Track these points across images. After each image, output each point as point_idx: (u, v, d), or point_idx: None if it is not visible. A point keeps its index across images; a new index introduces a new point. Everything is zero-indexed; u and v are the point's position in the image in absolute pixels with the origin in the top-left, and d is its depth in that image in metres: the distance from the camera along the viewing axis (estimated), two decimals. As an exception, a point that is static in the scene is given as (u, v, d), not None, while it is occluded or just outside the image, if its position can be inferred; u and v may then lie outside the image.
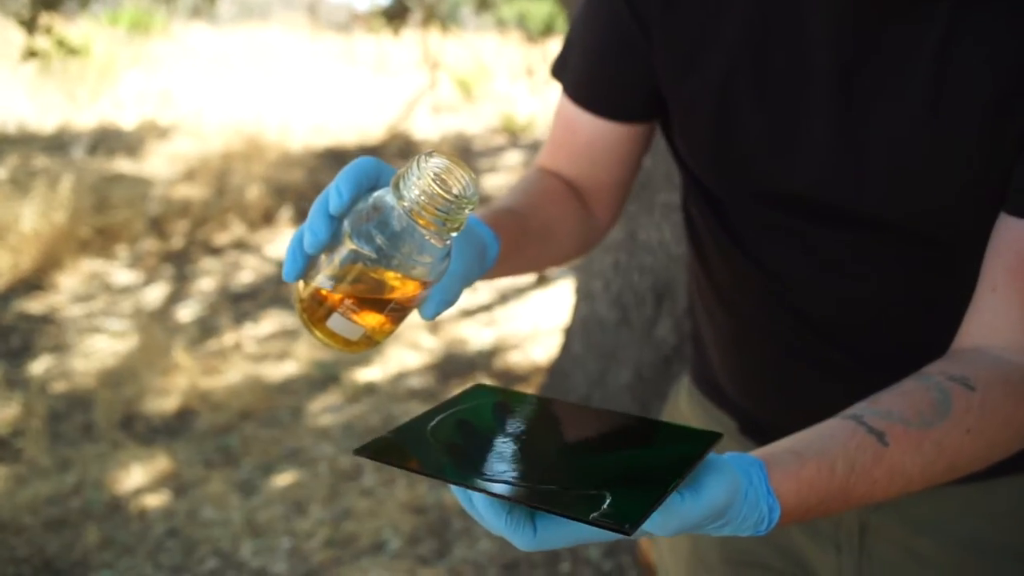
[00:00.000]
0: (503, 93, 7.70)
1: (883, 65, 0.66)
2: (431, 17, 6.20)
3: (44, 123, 6.10)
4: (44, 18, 3.98)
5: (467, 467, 0.50)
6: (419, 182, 0.53)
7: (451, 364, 3.09)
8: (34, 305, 3.55)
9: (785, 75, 0.70)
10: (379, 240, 0.54)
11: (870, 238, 0.71)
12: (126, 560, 2.08)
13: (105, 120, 6.29)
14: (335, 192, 0.56)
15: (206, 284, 3.84)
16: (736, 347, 0.85)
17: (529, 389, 2.85)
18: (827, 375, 0.79)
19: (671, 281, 2.25)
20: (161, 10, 7.97)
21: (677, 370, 2.29)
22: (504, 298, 3.71)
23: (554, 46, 7.16)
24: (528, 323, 3.45)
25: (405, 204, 0.54)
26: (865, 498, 0.57)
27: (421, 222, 0.54)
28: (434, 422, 0.57)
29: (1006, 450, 0.62)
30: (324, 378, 2.99)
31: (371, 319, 0.58)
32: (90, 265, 3.96)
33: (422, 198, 0.53)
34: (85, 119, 6.26)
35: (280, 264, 4.08)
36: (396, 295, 0.57)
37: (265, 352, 3.19)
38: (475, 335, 3.34)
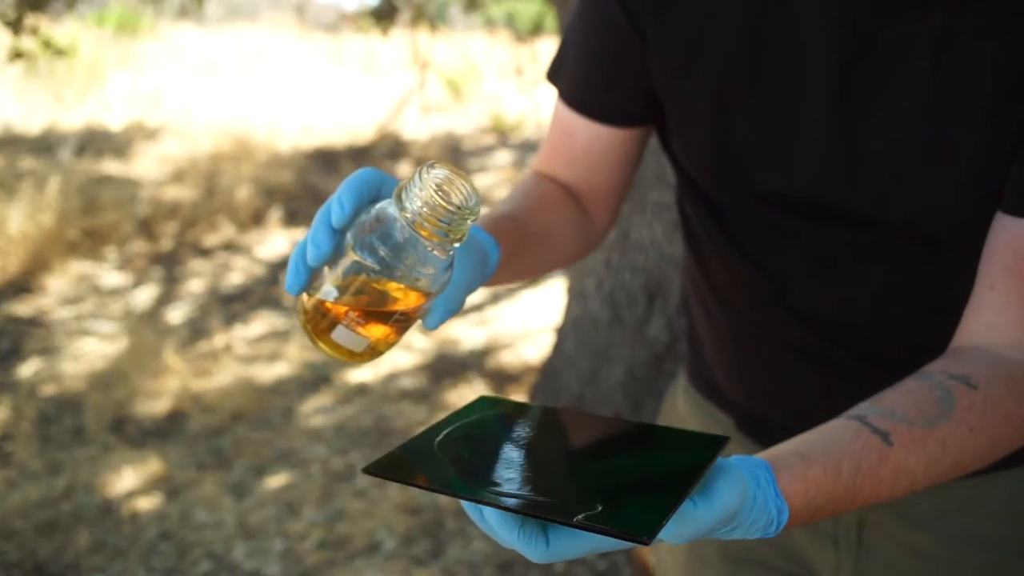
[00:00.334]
0: (492, 93, 7.69)
1: (879, 65, 0.67)
2: (420, 17, 6.19)
3: (31, 124, 6.05)
4: (30, 19, 3.96)
5: (477, 481, 0.50)
6: (421, 193, 0.53)
7: (443, 364, 3.09)
8: (22, 308, 3.53)
9: (780, 76, 0.70)
10: (382, 251, 0.54)
11: (868, 237, 0.72)
12: (118, 564, 2.07)
13: (92, 121, 6.25)
14: (337, 204, 0.56)
15: (196, 286, 3.82)
16: (733, 345, 0.85)
17: (522, 389, 2.85)
18: (825, 373, 0.79)
19: (663, 280, 2.25)
20: (148, 11, 7.94)
21: (669, 368, 2.29)
22: (496, 298, 3.71)
23: (543, 45, 7.17)
24: (520, 323, 3.45)
25: (408, 215, 0.54)
26: (871, 498, 0.57)
27: (424, 233, 0.54)
28: (440, 436, 0.56)
29: (1009, 447, 0.62)
30: (315, 379, 2.98)
31: (375, 330, 0.58)
32: (78, 267, 3.94)
33: (424, 209, 0.53)
34: (72, 120, 6.22)
35: (270, 265, 4.07)
36: (400, 306, 0.57)
37: (256, 353, 3.18)
38: (467, 335, 3.34)
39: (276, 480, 2.41)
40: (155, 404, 2.79)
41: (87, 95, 6.79)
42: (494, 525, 0.48)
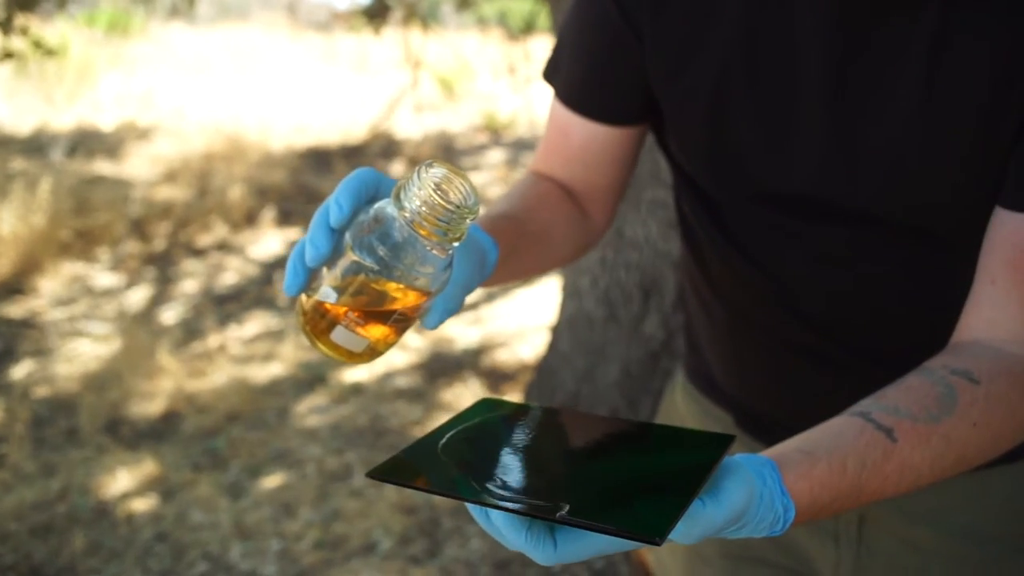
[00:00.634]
0: (485, 91, 7.69)
1: (875, 62, 0.67)
2: (412, 16, 6.18)
3: (21, 125, 6.02)
4: (20, 19, 3.94)
5: (482, 483, 0.50)
6: (420, 192, 0.53)
7: (438, 363, 3.09)
8: (14, 309, 3.51)
9: (777, 74, 0.70)
10: (381, 251, 0.54)
11: (866, 234, 0.72)
12: (114, 566, 2.06)
13: (84, 122, 6.23)
14: (335, 205, 0.55)
15: (189, 286, 3.81)
16: (732, 342, 0.85)
17: (517, 387, 2.85)
18: (824, 369, 0.80)
19: (658, 277, 2.25)
20: (139, 11, 7.90)
21: (665, 366, 2.30)
22: (490, 297, 3.70)
23: (535, 44, 7.16)
24: (514, 321, 3.45)
25: (406, 215, 0.54)
26: (876, 495, 0.57)
27: (423, 232, 0.54)
28: (444, 440, 0.56)
29: (1012, 441, 0.62)
30: (310, 379, 2.97)
31: (375, 331, 0.58)
32: (71, 268, 3.92)
33: (423, 208, 0.53)
34: (63, 121, 6.19)
35: (263, 265, 4.05)
36: (399, 306, 0.57)
37: (250, 354, 3.17)
38: (462, 334, 3.34)
39: (272, 480, 2.40)
40: (149, 405, 2.78)
41: (78, 95, 6.76)
42: (501, 528, 0.48)
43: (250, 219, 4.55)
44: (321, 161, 5.63)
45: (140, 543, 2.14)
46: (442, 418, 2.69)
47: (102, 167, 5.19)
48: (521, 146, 6.41)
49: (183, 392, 2.84)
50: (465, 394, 2.83)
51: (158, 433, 2.64)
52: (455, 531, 2.17)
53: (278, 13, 10.40)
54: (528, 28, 7.46)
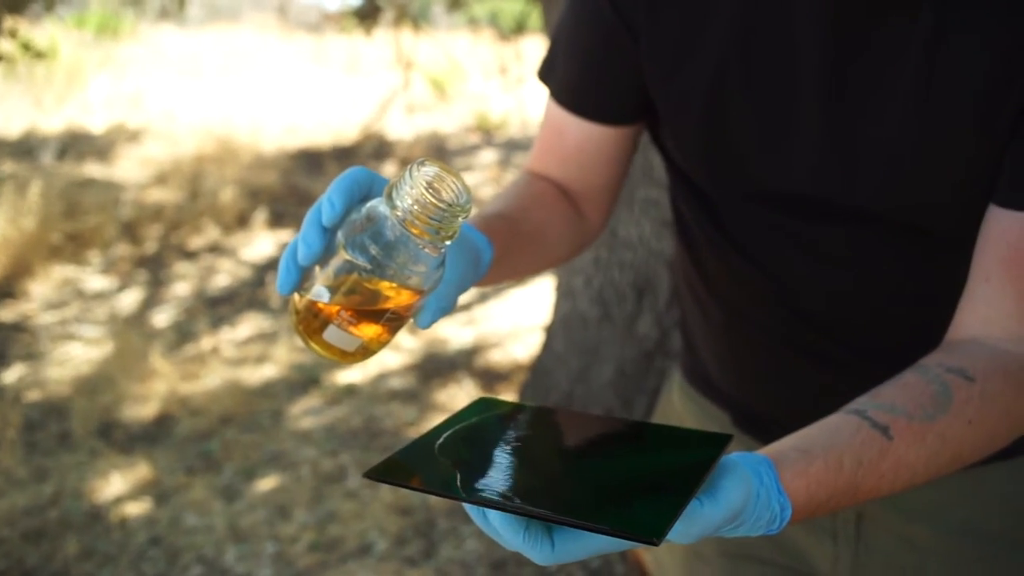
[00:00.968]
0: (477, 92, 7.68)
1: (872, 61, 0.67)
2: (403, 16, 6.17)
3: (10, 128, 5.99)
4: (8, 21, 3.92)
5: (479, 483, 0.50)
6: (412, 191, 0.53)
7: (432, 364, 3.08)
8: (5, 313, 3.49)
9: (774, 73, 0.70)
10: (373, 250, 0.54)
11: (864, 234, 0.72)
12: (108, 570, 2.05)
13: (73, 124, 6.20)
14: (328, 203, 0.55)
15: (181, 289, 3.79)
16: (728, 340, 0.85)
17: (511, 387, 2.85)
18: (821, 368, 0.80)
19: (652, 276, 2.26)
20: (129, 12, 7.88)
21: (659, 365, 2.30)
22: (484, 297, 3.70)
23: (527, 44, 7.16)
24: (508, 321, 3.44)
25: (398, 213, 0.53)
26: (872, 492, 0.57)
27: (415, 231, 0.54)
28: (441, 439, 0.56)
29: (1007, 439, 0.63)
30: (304, 381, 2.97)
31: (367, 330, 0.57)
32: (62, 271, 3.90)
33: (415, 207, 0.53)
34: (53, 123, 6.16)
35: (256, 267, 4.04)
36: (392, 305, 0.56)
37: (244, 356, 3.16)
38: (455, 335, 3.33)
39: (266, 483, 2.39)
40: (142, 408, 2.77)
41: (67, 98, 6.73)
42: (498, 528, 0.48)
43: (242, 221, 4.54)
44: (313, 162, 5.62)
45: (134, 547, 2.13)
46: (436, 419, 2.68)
47: (92, 170, 5.17)
48: (513, 146, 6.40)
49: (176, 395, 2.83)
50: (459, 394, 2.83)
51: (151, 436, 2.63)
52: (451, 532, 2.17)
53: (268, 14, 10.38)
54: (519, 28, 7.46)
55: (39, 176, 4.64)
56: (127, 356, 3.05)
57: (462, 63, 7.87)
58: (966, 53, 0.63)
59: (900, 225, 0.70)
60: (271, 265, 4.08)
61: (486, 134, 6.81)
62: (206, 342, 3.23)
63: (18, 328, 3.37)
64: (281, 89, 7.68)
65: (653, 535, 0.43)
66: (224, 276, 3.95)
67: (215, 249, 4.26)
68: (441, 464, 0.53)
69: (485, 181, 5.47)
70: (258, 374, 3.01)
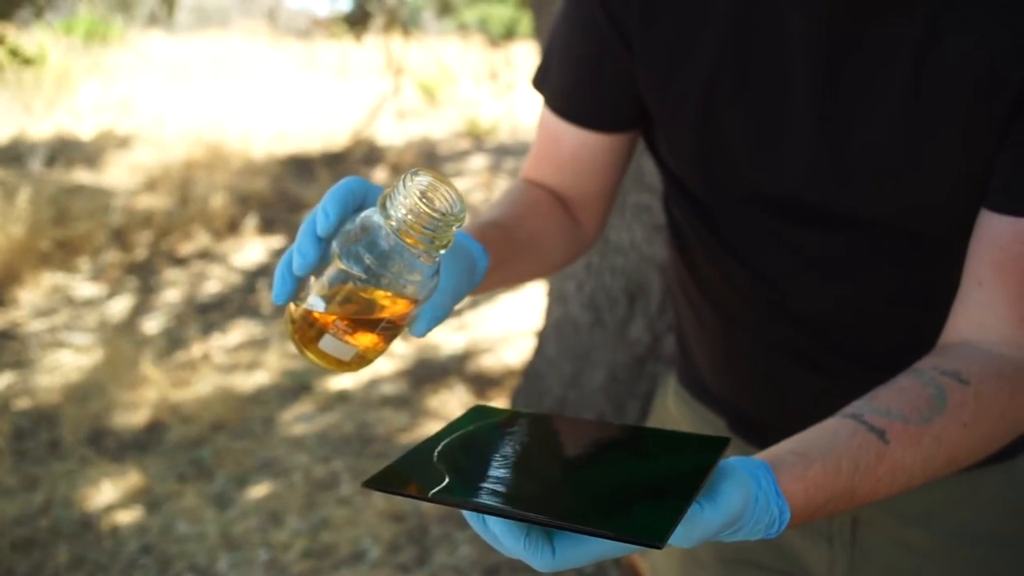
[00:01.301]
0: (467, 97, 7.69)
1: (864, 65, 0.67)
2: (393, 22, 6.18)
3: (-1, 134, 5.97)
4: (-3, 28, 3.90)
5: (478, 490, 0.50)
6: (405, 201, 0.53)
7: (424, 370, 3.08)
8: (-6, 321, 3.47)
9: (767, 77, 0.71)
10: (368, 260, 0.54)
11: (857, 237, 0.72)
12: (99, 579, 2.04)
13: (62, 130, 6.17)
14: (322, 214, 0.56)
15: (172, 295, 3.78)
16: (724, 345, 0.86)
17: (503, 393, 2.85)
18: (815, 372, 0.80)
19: (643, 281, 2.26)
20: (118, 19, 7.85)
21: (651, 370, 2.30)
22: (475, 303, 3.70)
23: (517, 50, 7.18)
24: (500, 327, 3.44)
25: (392, 223, 0.54)
26: (869, 496, 0.58)
27: (409, 241, 0.54)
28: (439, 448, 0.56)
29: (1001, 441, 0.63)
30: (296, 387, 2.96)
31: (363, 339, 0.58)
32: (51, 278, 3.88)
33: (409, 217, 0.53)
34: (41, 130, 6.13)
35: (246, 273, 4.03)
36: (387, 314, 0.57)
37: (235, 362, 3.15)
38: (447, 340, 3.33)
39: (258, 490, 2.38)
40: (133, 416, 2.76)
41: (56, 104, 6.70)
42: (499, 535, 0.48)
43: (232, 227, 4.53)
44: (303, 169, 5.61)
45: (125, 556, 2.12)
46: (428, 424, 2.68)
47: (82, 176, 5.15)
48: (503, 152, 6.41)
49: (167, 402, 2.81)
50: (451, 400, 2.82)
51: (142, 444, 2.62)
52: (444, 538, 2.16)
53: (258, 21, 10.36)
54: (509, 34, 7.47)
55: (28, 183, 4.62)
56: (117, 363, 3.03)
57: (452, 69, 7.88)
58: (957, 56, 0.64)
59: (893, 228, 0.71)
60: (262, 271, 4.07)
61: (476, 140, 6.81)
62: (197, 349, 3.22)
63: (7, 336, 3.35)
64: (271, 95, 7.67)
65: (656, 539, 0.43)
66: (215, 282, 3.94)
67: (205, 255, 4.24)
68: (440, 472, 0.53)
69: (475, 187, 5.47)
70: (250, 381, 3.00)
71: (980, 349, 0.64)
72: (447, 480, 0.52)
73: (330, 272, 0.56)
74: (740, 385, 0.86)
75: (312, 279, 0.57)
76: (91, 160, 5.49)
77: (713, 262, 0.81)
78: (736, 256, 0.78)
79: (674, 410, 0.96)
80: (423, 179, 0.54)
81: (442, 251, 0.56)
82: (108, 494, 2.35)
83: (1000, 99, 0.63)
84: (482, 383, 2.95)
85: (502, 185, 5.53)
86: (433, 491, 0.51)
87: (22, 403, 2.84)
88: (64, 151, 5.65)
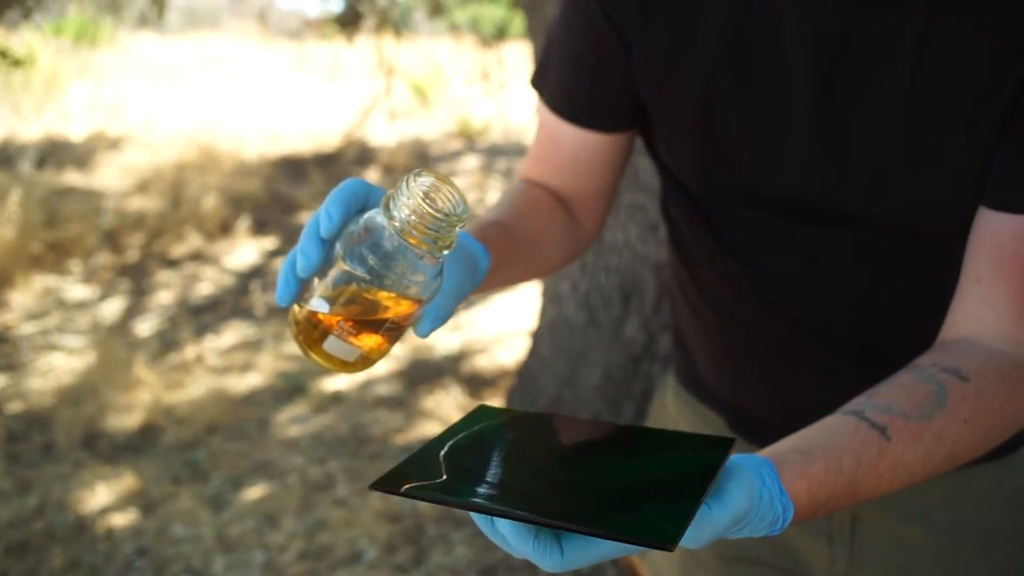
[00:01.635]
0: (458, 98, 7.68)
1: (861, 64, 0.67)
2: (384, 23, 6.17)
3: (-12, 136, 5.93)
4: (-13, 29, 3.88)
5: (486, 491, 0.50)
6: (408, 201, 0.54)
7: (418, 370, 3.08)
8: (-15, 324, 3.45)
9: (765, 77, 0.71)
10: (371, 261, 0.54)
11: (856, 236, 0.73)
12: (94, 582, 2.03)
13: (52, 132, 6.14)
14: (325, 215, 0.56)
15: (164, 297, 3.77)
16: (723, 345, 0.86)
17: (498, 393, 2.85)
18: (816, 371, 0.80)
19: (638, 281, 2.27)
20: (107, 20, 7.81)
21: (646, 369, 2.31)
22: (469, 303, 3.70)
23: (509, 50, 7.17)
24: (494, 327, 3.44)
25: (396, 224, 0.54)
26: (871, 493, 0.58)
27: (412, 241, 0.54)
28: (444, 449, 0.56)
29: (1001, 437, 0.63)
30: (290, 389, 2.95)
31: (367, 340, 0.58)
32: (43, 281, 3.86)
33: (412, 217, 0.53)
34: (31, 132, 6.10)
35: (239, 275, 4.02)
36: (391, 315, 0.57)
37: (229, 364, 3.14)
38: (442, 341, 3.33)
39: (254, 492, 2.38)
40: (127, 418, 2.75)
41: (46, 106, 6.67)
42: (507, 535, 0.48)
43: (224, 229, 4.51)
44: (295, 169, 5.60)
45: (121, 559, 2.11)
46: (423, 425, 2.68)
47: (72, 178, 5.13)
48: (496, 152, 6.41)
49: (161, 404, 2.80)
50: (446, 401, 2.82)
51: (136, 446, 2.61)
52: (440, 538, 2.16)
53: (248, 21, 10.33)
54: (500, 34, 7.47)
55: (18, 185, 4.59)
56: (110, 366, 3.02)
57: (444, 69, 7.87)
58: (956, 52, 0.64)
59: (892, 227, 0.71)
60: (254, 273, 4.06)
61: (468, 140, 6.81)
62: (190, 351, 3.21)
63: (-1, 339, 3.33)
64: (263, 96, 7.65)
65: (668, 542, 0.43)
66: (207, 284, 3.93)
67: (198, 257, 4.23)
68: (446, 474, 0.53)
69: (468, 187, 5.47)
70: (244, 382, 3.00)
71: (979, 346, 0.64)
72: (454, 482, 0.52)
73: (334, 273, 0.56)
74: (740, 384, 0.87)
75: (316, 281, 0.57)
76: (82, 162, 5.47)
77: (712, 262, 0.81)
78: (735, 256, 0.78)
79: (673, 409, 0.97)
80: (426, 180, 0.55)
81: (445, 251, 0.56)
82: (103, 497, 2.34)
83: (999, 95, 0.63)
84: (477, 383, 2.95)
85: (495, 185, 5.53)
86: (441, 493, 0.51)
87: (15, 406, 2.83)
88: (54, 153, 5.62)
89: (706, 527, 0.49)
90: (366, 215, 0.57)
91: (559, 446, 0.57)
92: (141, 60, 8.67)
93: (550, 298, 2.46)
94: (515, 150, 6.39)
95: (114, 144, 5.93)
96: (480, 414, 0.62)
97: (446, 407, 2.77)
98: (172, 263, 4.15)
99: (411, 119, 7.41)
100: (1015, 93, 0.62)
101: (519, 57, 6.76)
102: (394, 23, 6.48)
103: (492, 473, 0.53)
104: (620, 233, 2.25)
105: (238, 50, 9.59)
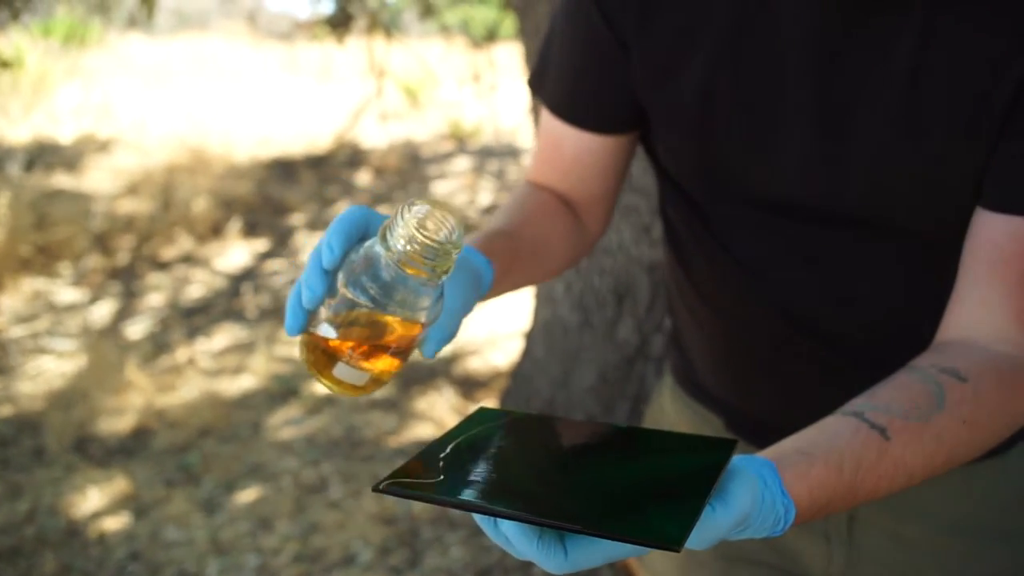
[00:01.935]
0: (450, 99, 7.68)
1: (859, 66, 0.68)
2: (375, 24, 6.16)
3: (-24, 139, 5.89)
4: (-25, 31, 3.86)
5: (489, 493, 0.50)
6: (404, 232, 0.55)
7: (411, 372, 3.07)
8: (-25, 327, 3.43)
9: (764, 79, 0.71)
10: (373, 290, 0.56)
11: (856, 236, 0.73)
12: (87, 586, 2.02)
13: (41, 135, 6.10)
14: (327, 247, 0.58)
15: (155, 300, 3.75)
16: (722, 345, 0.86)
17: (491, 394, 2.85)
18: (815, 371, 0.81)
19: (631, 282, 2.27)
20: (96, 21, 7.77)
21: (640, 370, 2.31)
22: (461, 304, 3.69)
23: (500, 51, 7.17)
24: (487, 329, 3.44)
25: (393, 255, 0.55)
26: (871, 494, 0.58)
27: (410, 271, 0.56)
28: (446, 451, 0.56)
29: (999, 438, 0.64)
30: (283, 391, 2.94)
31: (375, 364, 0.60)
32: (32, 284, 3.84)
33: (408, 248, 0.55)
34: (19, 134, 6.06)
35: (230, 277, 4.01)
36: (396, 338, 0.59)
37: (221, 367, 3.13)
38: (434, 342, 3.32)
39: (247, 495, 2.37)
40: (118, 421, 2.74)
41: (34, 107, 6.63)
42: (511, 537, 0.48)
43: (215, 231, 4.50)
44: (286, 171, 5.58)
45: (113, 563, 2.10)
46: (417, 427, 2.68)
47: (61, 181, 5.10)
48: (487, 154, 6.41)
49: (153, 407, 2.79)
50: (439, 402, 2.82)
51: (128, 450, 2.60)
52: (435, 540, 2.16)
53: (238, 23, 10.29)
54: (491, 36, 7.46)
55: (7, 187, 4.56)
56: (101, 369, 3.01)
57: (435, 71, 7.86)
58: (954, 53, 0.64)
59: (892, 227, 0.71)
60: (246, 275, 4.04)
61: (459, 142, 6.80)
62: (182, 353, 3.20)
63: (-12, 342, 3.31)
64: (253, 98, 7.63)
65: (674, 542, 0.44)
66: (198, 287, 3.92)
67: (189, 259, 4.21)
68: (448, 475, 0.53)
69: (459, 189, 5.47)
70: (236, 385, 2.99)
71: (977, 346, 0.65)
72: (457, 483, 0.52)
73: (338, 301, 0.58)
74: (739, 385, 0.87)
75: (322, 309, 0.59)
76: (71, 164, 5.44)
77: (711, 263, 0.82)
78: (734, 257, 0.79)
79: (671, 410, 0.97)
80: (420, 209, 0.56)
81: (444, 276, 0.57)
82: (94, 501, 2.33)
83: (999, 95, 0.63)
84: (470, 385, 2.95)
85: (486, 187, 5.52)
86: (445, 494, 0.51)
87: (4, 410, 2.81)
88: (43, 155, 5.59)
89: (710, 528, 0.49)
90: (365, 244, 0.58)
91: (561, 448, 0.58)
92: (130, 61, 8.63)
93: (543, 299, 2.46)
94: (506, 151, 6.39)
95: (103, 146, 5.90)
96: (480, 416, 0.62)
97: (439, 409, 2.77)
98: (163, 265, 4.13)
99: (402, 121, 7.40)
100: (1015, 93, 0.63)
101: (510, 59, 6.77)
102: (385, 24, 6.47)
103: (495, 475, 0.53)
104: (614, 235, 2.25)
105: (228, 51, 9.56)
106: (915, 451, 0.59)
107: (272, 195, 5.06)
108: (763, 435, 0.82)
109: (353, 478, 2.43)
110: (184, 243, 4.35)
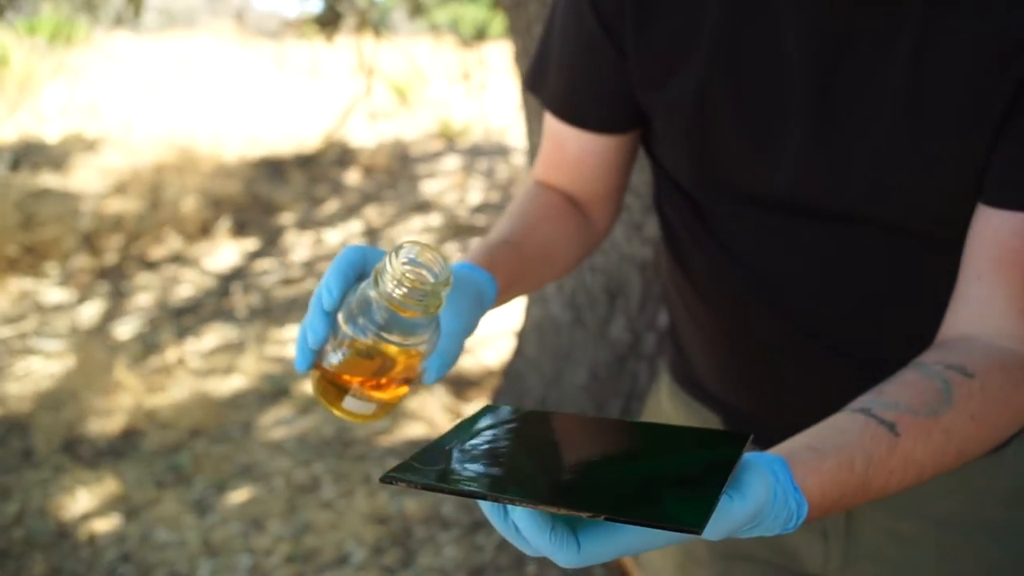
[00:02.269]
0: (439, 98, 7.66)
1: (858, 64, 0.68)
2: (364, 23, 6.14)
3: (-39, 138, 5.84)
4: (-40, 29, 3.82)
5: (502, 484, 0.49)
6: (393, 276, 0.58)
7: (403, 372, 3.06)
8: (-39, 328, 3.40)
9: (762, 78, 0.71)
10: (370, 331, 0.60)
11: (855, 235, 0.73)
12: (77, 589, 2.00)
13: (27, 134, 6.05)
14: (326, 290, 0.61)
15: (144, 300, 3.73)
16: (720, 344, 0.86)
17: (483, 393, 2.85)
18: (814, 370, 0.81)
19: (623, 280, 2.27)
20: (83, 19, 7.72)
21: (632, 368, 2.31)
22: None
23: (489, 50, 7.17)
24: (478, 328, 3.43)
25: (384, 299, 0.59)
26: (882, 490, 0.58)
27: (404, 313, 0.59)
28: (451, 445, 0.57)
29: (1006, 434, 0.64)
30: (274, 391, 2.93)
31: (382, 394, 0.63)
32: (19, 284, 3.81)
33: (398, 291, 0.58)
34: (5, 133, 6.01)
35: (220, 277, 3.99)
36: (399, 369, 0.62)
37: (211, 367, 3.11)
38: (425, 342, 3.31)
39: (239, 495, 2.36)
40: (108, 422, 2.72)
41: (20, 107, 6.57)
42: (523, 528, 0.48)
43: (204, 230, 4.47)
44: (275, 171, 5.56)
45: (104, 565, 2.08)
46: (409, 427, 2.67)
47: (48, 180, 5.06)
48: (476, 153, 6.40)
49: (143, 408, 2.77)
50: (430, 402, 2.81)
51: (118, 451, 2.58)
52: (428, 540, 2.16)
53: (226, 21, 10.24)
54: (480, 35, 7.45)
55: (-7, 187, 4.53)
56: (90, 369, 2.98)
57: (424, 70, 7.85)
58: (954, 53, 0.64)
59: (891, 226, 0.71)
60: (235, 275, 4.02)
61: (449, 140, 6.79)
62: (171, 353, 3.18)
63: (-25, 343, 3.28)
64: (241, 97, 7.59)
65: (696, 525, 0.43)
66: (187, 286, 3.89)
67: (177, 259, 4.19)
68: (459, 467, 0.53)
69: (449, 188, 5.46)
70: (226, 385, 2.97)
71: (981, 343, 0.65)
72: (465, 474, 0.52)
73: (340, 339, 0.61)
74: (737, 383, 0.87)
75: (328, 345, 0.62)
76: (58, 164, 5.40)
77: (709, 262, 0.81)
78: (733, 256, 0.79)
79: (668, 407, 0.97)
80: (408, 251, 0.59)
81: (437, 311, 0.60)
82: (84, 502, 2.31)
83: (999, 92, 0.63)
84: (462, 385, 2.94)
85: (475, 186, 5.52)
86: (456, 485, 0.51)
87: (-8, 411, 2.79)
88: (29, 155, 5.54)
89: (726, 518, 0.49)
90: (361, 286, 0.61)
91: (571, 442, 0.58)
92: (117, 60, 8.58)
93: (535, 298, 2.46)
94: (496, 150, 6.39)
95: (91, 145, 5.85)
96: (484, 413, 0.62)
97: (431, 408, 2.76)
98: (151, 265, 4.10)
99: (391, 120, 7.38)
100: (1015, 92, 0.63)
101: (499, 57, 6.76)
102: (374, 23, 6.45)
103: (506, 466, 0.53)
104: (606, 233, 2.25)
105: (216, 50, 9.51)
106: (925, 447, 0.59)
107: (261, 194, 5.04)
108: (761, 433, 0.81)
109: (345, 478, 2.42)
110: (173, 243, 4.33)
